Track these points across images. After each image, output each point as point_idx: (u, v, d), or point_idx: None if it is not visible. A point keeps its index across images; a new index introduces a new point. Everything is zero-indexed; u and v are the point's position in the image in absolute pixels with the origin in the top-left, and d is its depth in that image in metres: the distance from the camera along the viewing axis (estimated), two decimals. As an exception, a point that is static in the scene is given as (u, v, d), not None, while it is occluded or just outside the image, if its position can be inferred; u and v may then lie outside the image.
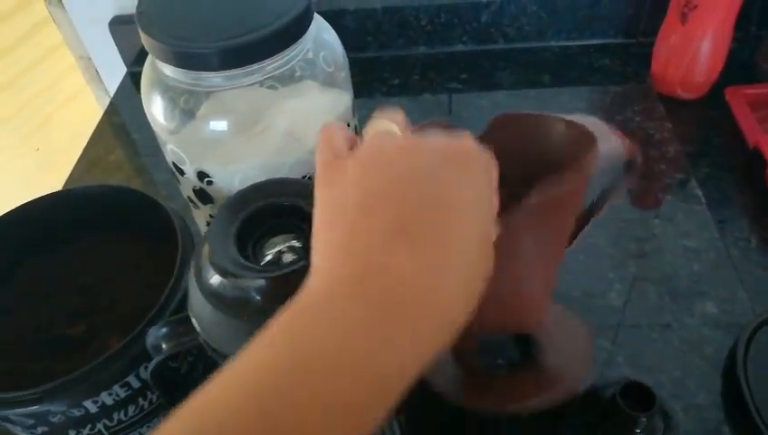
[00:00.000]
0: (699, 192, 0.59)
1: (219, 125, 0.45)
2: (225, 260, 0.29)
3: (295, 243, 0.32)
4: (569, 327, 0.48)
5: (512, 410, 0.45)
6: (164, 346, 0.34)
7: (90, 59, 0.84)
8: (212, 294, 0.30)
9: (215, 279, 0.30)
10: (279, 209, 0.32)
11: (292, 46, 0.44)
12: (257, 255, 0.31)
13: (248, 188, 0.33)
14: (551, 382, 0.45)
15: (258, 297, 0.29)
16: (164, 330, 0.35)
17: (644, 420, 0.41)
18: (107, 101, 0.80)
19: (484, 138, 0.43)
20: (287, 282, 0.29)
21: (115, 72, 0.83)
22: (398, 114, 0.28)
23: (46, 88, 1.25)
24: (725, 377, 0.46)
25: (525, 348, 0.47)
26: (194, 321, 0.32)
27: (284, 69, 0.45)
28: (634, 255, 0.54)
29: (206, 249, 0.31)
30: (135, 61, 0.81)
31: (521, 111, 0.43)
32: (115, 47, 0.80)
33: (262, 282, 0.29)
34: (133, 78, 0.82)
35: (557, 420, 0.45)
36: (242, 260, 0.30)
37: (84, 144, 0.74)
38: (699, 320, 0.49)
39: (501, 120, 0.43)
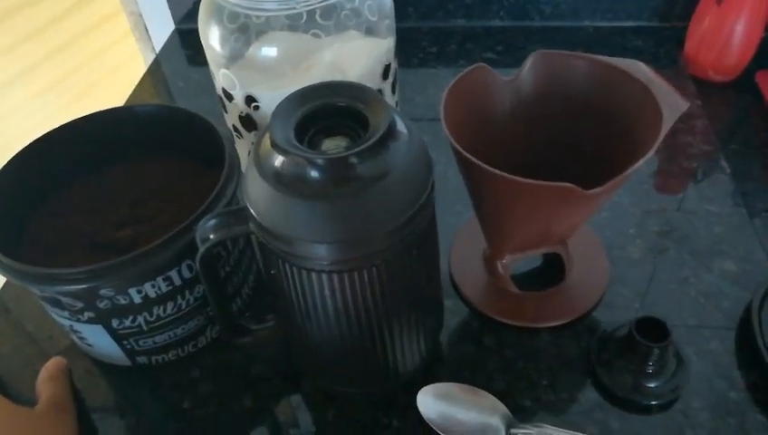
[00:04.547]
0: (725, 164, 0.61)
1: (270, 51, 0.48)
2: (286, 143, 0.32)
3: (344, 144, 0.34)
4: (584, 241, 0.52)
5: (542, 325, 0.48)
6: (212, 236, 0.37)
7: (140, 15, 0.88)
8: (272, 176, 0.32)
9: (277, 161, 0.32)
10: (335, 109, 0.34)
11: (343, -19, 0.46)
12: (312, 149, 0.34)
13: (308, 87, 0.35)
14: (575, 296, 0.49)
15: (316, 175, 0.31)
16: (213, 221, 0.37)
17: (657, 351, 0.42)
18: (152, 59, 0.84)
19: (524, 74, 0.46)
20: (342, 163, 0.31)
21: (163, 30, 0.87)
22: None
23: (93, 56, 1.30)
24: (741, 328, 0.47)
25: (553, 270, 0.51)
26: (250, 207, 0.34)
27: (331, 2, 0.47)
28: (656, 214, 0.56)
29: (266, 137, 0.33)
30: (184, 18, 0.84)
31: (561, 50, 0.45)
32: (166, 4, 0.83)
33: (320, 160, 0.31)
34: (181, 36, 0.86)
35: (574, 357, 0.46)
36: (300, 145, 0.32)
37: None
38: (718, 275, 0.51)
39: (541, 57, 0.45)
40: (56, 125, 0.49)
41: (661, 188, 0.59)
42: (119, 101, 0.77)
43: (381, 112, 0.33)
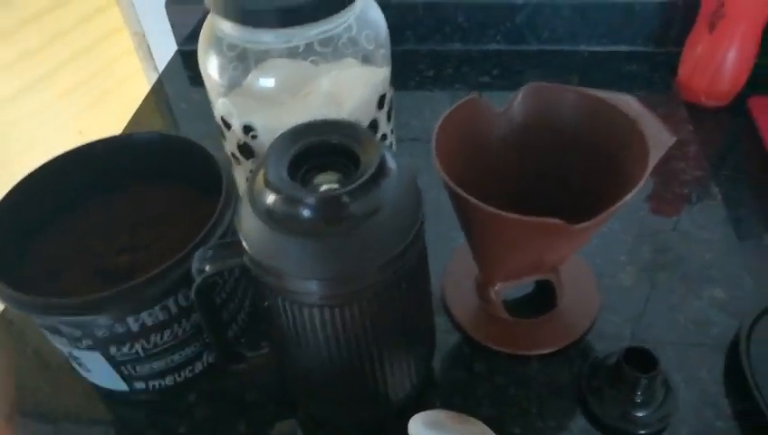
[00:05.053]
0: (716, 190, 0.61)
1: (268, 82, 0.49)
2: (279, 181, 0.33)
3: (337, 183, 0.35)
4: (575, 269, 0.53)
5: (534, 352, 0.49)
6: (207, 268, 0.38)
7: (144, 36, 0.90)
8: (265, 212, 0.33)
9: (269, 198, 0.33)
10: (328, 147, 0.35)
11: (338, 14, 0.48)
12: (305, 185, 0.35)
13: (302, 124, 0.36)
14: (566, 324, 0.49)
15: (307, 213, 0.32)
16: (209, 253, 0.38)
17: (645, 381, 0.43)
18: (155, 78, 0.86)
19: (516, 106, 0.47)
20: (334, 202, 0.32)
21: (166, 51, 0.89)
22: None
23: (97, 72, 1.31)
24: (729, 355, 0.48)
25: (544, 297, 0.51)
26: (243, 241, 0.35)
27: (329, 34, 0.48)
28: (647, 241, 0.57)
29: (260, 174, 0.34)
30: (186, 39, 0.86)
31: (552, 83, 0.46)
32: (169, 26, 0.85)
33: (312, 199, 0.32)
34: (183, 57, 0.87)
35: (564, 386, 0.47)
36: (293, 183, 0.33)
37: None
38: (707, 303, 0.51)
39: (532, 90, 0.46)
40: (66, 138, 0.51)
41: (654, 214, 0.60)
42: (124, 117, 0.79)
43: (372, 150, 0.34)
